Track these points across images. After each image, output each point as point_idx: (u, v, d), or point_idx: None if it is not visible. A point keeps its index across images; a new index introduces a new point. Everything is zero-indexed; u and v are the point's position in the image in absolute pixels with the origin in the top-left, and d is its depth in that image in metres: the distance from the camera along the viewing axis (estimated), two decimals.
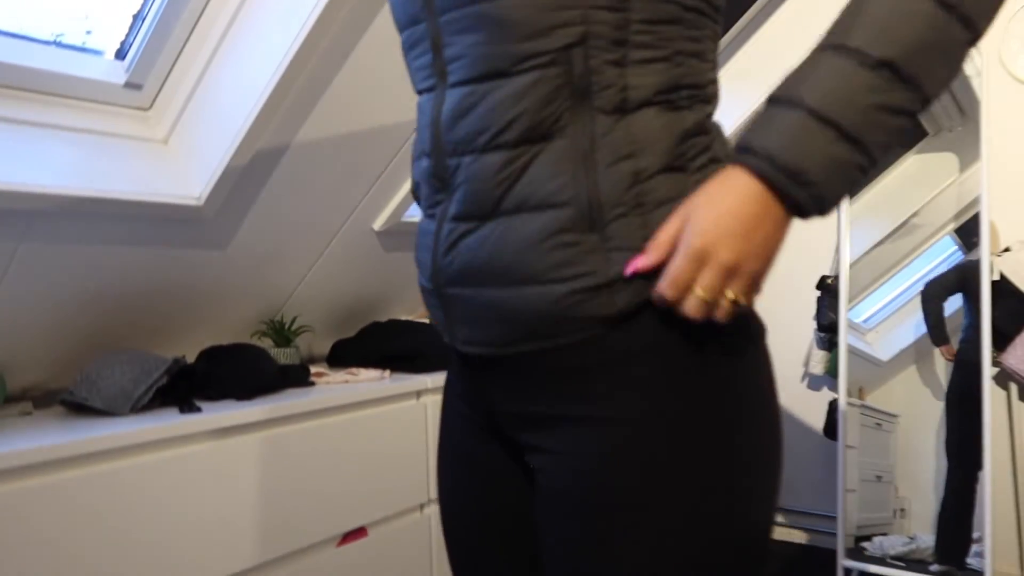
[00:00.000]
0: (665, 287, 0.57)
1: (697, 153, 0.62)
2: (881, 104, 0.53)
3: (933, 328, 2.28)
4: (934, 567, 2.17)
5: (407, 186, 1.77)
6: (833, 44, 0.55)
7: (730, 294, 0.56)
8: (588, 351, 0.62)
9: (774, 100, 0.57)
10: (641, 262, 0.58)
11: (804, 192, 0.54)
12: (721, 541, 0.61)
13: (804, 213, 0.56)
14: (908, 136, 0.48)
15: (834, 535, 2.55)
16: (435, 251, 0.68)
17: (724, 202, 0.56)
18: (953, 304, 2.27)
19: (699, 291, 0.56)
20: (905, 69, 0.53)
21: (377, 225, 1.83)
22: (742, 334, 0.63)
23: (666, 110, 0.61)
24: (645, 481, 0.60)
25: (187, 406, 1.29)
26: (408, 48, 0.69)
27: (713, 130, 0.65)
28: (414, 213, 1.89)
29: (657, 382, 0.61)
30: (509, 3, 0.57)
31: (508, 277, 0.62)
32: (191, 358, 1.54)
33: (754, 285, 0.57)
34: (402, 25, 0.69)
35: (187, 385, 1.37)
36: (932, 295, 2.28)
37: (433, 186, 0.68)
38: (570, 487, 0.63)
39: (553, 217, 0.59)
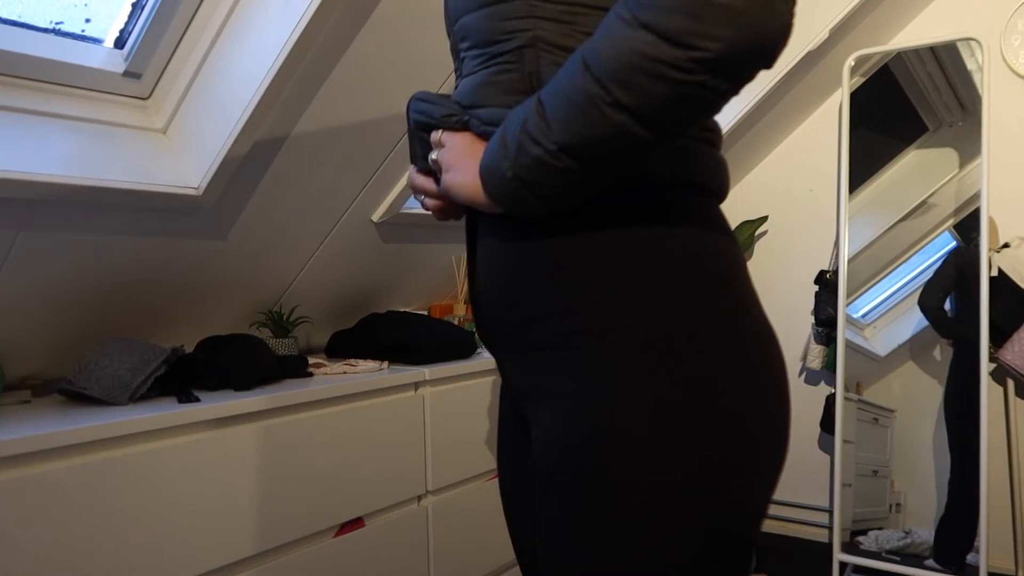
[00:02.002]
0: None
1: None
2: (524, 123, 0.62)
3: (935, 324, 2.28)
4: (929, 561, 2.18)
5: (406, 178, 1.77)
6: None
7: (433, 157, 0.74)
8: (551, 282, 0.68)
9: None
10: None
11: (480, 164, 0.68)
12: (689, 526, 0.62)
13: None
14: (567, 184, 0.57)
15: (830, 529, 2.56)
16: None
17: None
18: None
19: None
20: (546, 107, 0.61)
21: (376, 216, 1.83)
22: (716, 333, 0.65)
23: None
24: (614, 459, 0.63)
25: (185, 396, 1.29)
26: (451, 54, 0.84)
27: None
28: (413, 205, 1.89)
29: (635, 361, 0.63)
30: (479, 14, 0.71)
31: None
32: (190, 348, 1.54)
33: (445, 181, 0.72)
34: (448, 35, 0.83)
35: (185, 375, 1.37)
36: (931, 302, 2.28)
37: None
38: (548, 460, 0.68)
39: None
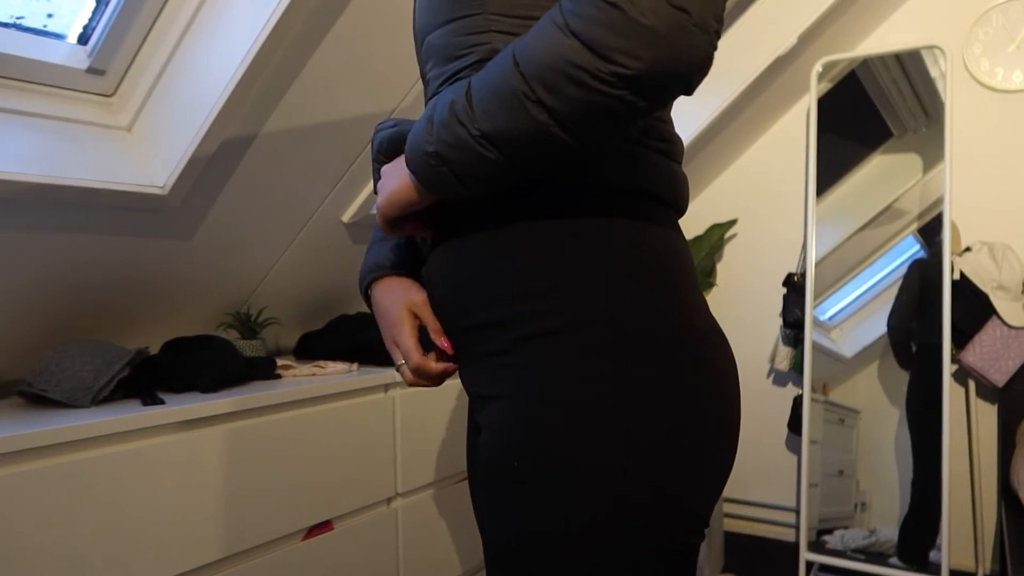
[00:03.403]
0: None
1: None
2: (452, 103, 0.63)
3: (898, 356, 2.33)
4: (893, 559, 2.22)
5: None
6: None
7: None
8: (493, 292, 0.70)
9: None
10: None
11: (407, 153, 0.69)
12: (616, 527, 0.64)
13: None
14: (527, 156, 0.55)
15: (797, 528, 2.59)
16: None
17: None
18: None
19: None
20: (473, 93, 0.62)
21: (346, 217, 1.81)
22: (652, 337, 0.67)
23: None
24: (546, 457, 0.65)
25: (150, 398, 1.27)
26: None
27: None
28: None
29: (578, 364, 0.65)
30: (441, 31, 0.72)
31: None
32: (155, 349, 1.52)
33: (379, 203, 0.74)
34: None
35: (150, 377, 1.34)
36: (897, 336, 2.32)
37: None
38: (485, 458, 0.70)
39: None
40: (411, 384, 0.80)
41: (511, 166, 0.63)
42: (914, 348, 2.29)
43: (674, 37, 0.55)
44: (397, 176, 0.71)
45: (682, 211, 0.77)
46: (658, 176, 0.72)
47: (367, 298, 0.88)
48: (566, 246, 0.67)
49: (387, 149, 0.78)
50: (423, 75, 0.80)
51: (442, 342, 0.77)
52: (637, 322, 0.66)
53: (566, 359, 0.65)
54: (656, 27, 0.54)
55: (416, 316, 0.80)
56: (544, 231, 0.68)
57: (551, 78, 0.57)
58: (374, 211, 0.81)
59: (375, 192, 0.80)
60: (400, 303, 0.81)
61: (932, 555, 2.16)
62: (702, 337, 0.70)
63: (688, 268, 0.73)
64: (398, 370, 0.80)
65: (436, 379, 0.79)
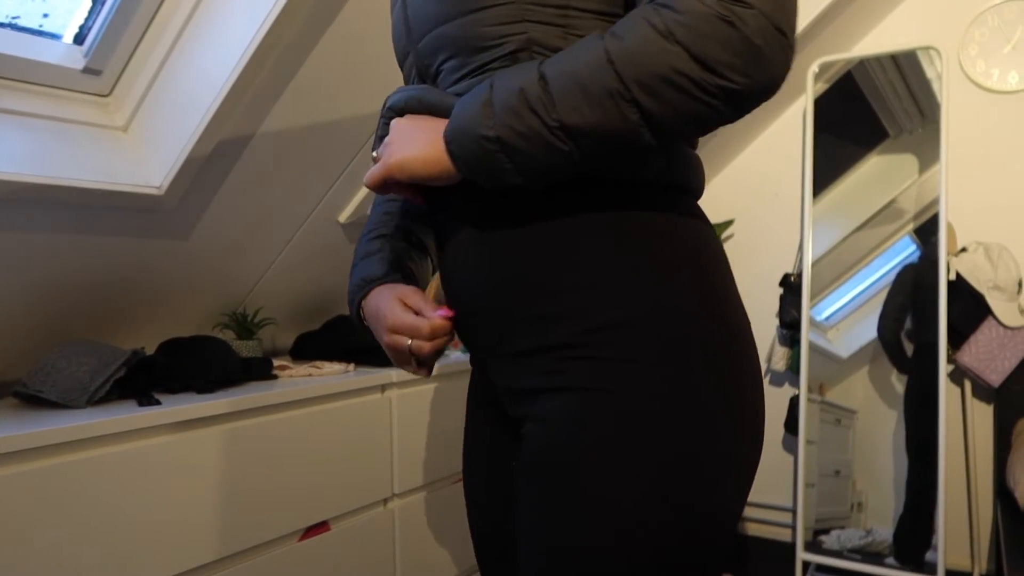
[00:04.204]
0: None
1: None
2: (522, 91, 0.61)
3: (892, 359, 2.33)
4: (890, 559, 2.22)
5: None
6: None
7: (374, 155, 0.75)
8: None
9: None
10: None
11: (447, 127, 0.67)
12: (658, 522, 0.64)
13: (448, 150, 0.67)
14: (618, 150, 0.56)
15: (793, 528, 2.59)
16: None
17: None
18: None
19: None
20: (552, 84, 0.61)
21: (343, 218, 1.81)
22: (725, 324, 0.69)
23: None
24: (592, 453, 0.65)
25: (146, 399, 1.26)
26: (405, 78, 0.82)
27: None
28: None
29: (647, 356, 0.65)
30: (461, 22, 0.69)
31: None
32: (151, 350, 1.52)
33: (388, 160, 0.70)
34: (399, 60, 0.81)
35: (146, 377, 1.34)
36: (889, 337, 2.33)
37: None
38: (541, 449, 0.69)
39: None
40: (427, 353, 0.77)
41: (580, 160, 0.62)
42: (909, 349, 2.30)
43: (776, 58, 0.58)
44: (425, 144, 0.69)
45: (700, 197, 0.78)
46: (688, 168, 0.73)
47: (359, 319, 0.86)
48: (625, 242, 0.68)
49: (416, 109, 0.74)
50: (424, 68, 0.76)
51: (442, 311, 0.77)
52: (704, 314, 0.68)
53: (638, 350, 0.66)
54: (764, 48, 0.57)
55: (405, 303, 0.80)
56: (598, 228, 0.68)
57: (651, 82, 0.58)
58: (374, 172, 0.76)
59: (374, 150, 0.77)
60: (390, 296, 0.81)
61: (928, 555, 2.16)
62: (743, 327, 0.72)
63: (721, 256, 0.74)
64: (411, 351, 0.77)
65: (448, 333, 0.79)
